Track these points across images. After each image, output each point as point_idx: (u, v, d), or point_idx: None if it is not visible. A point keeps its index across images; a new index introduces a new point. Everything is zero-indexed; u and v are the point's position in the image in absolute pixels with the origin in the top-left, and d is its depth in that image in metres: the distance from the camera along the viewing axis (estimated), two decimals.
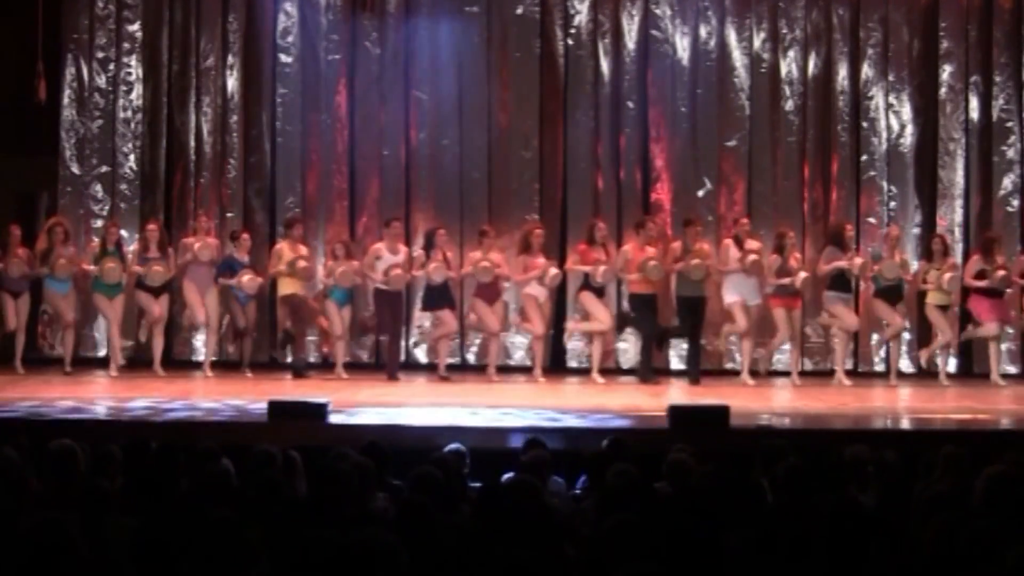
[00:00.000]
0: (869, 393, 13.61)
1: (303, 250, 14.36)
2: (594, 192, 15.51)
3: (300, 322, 14.30)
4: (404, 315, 14.66)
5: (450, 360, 14.94)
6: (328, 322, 14.31)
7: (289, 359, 14.34)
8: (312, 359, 14.85)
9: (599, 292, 14.18)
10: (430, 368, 14.74)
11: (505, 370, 14.67)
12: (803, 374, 14.58)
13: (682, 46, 15.53)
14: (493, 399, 12.25)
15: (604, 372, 14.37)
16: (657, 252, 14.10)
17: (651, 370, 14.09)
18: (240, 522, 4.73)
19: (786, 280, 13.94)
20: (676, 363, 14.98)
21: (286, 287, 14.22)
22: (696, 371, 14.03)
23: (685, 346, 14.39)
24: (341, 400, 11.25)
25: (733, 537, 4.79)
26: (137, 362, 14.64)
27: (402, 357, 14.90)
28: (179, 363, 14.99)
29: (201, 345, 14.98)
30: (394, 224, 14.36)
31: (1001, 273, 13.95)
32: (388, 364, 14.23)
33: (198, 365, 14.69)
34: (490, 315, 14.20)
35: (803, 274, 13.99)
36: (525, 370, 14.62)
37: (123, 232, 14.78)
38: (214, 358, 14.48)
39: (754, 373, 14.32)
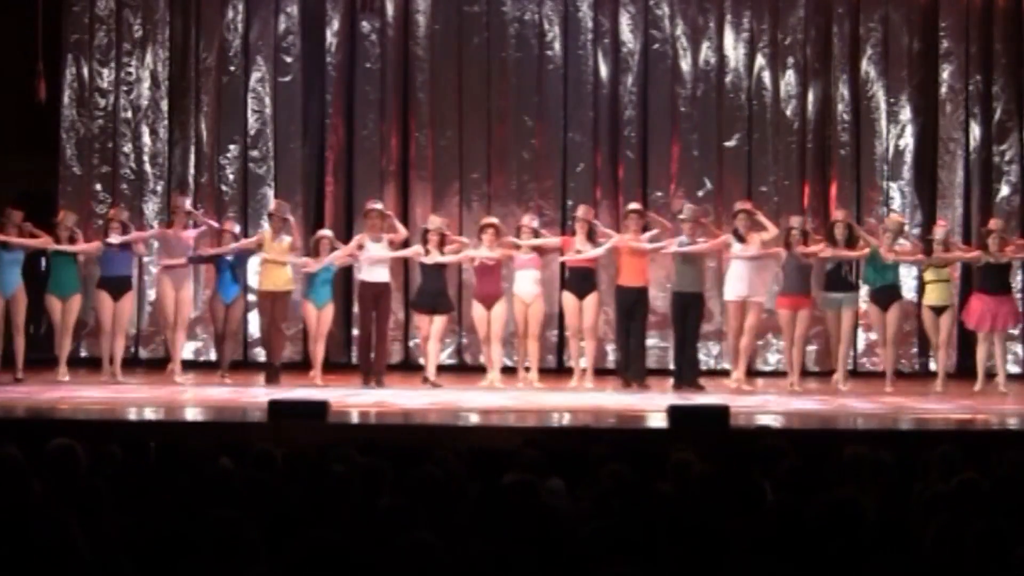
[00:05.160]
0: (870, 393, 13.56)
1: (286, 240, 13.92)
2: (594, 193, 15.50)
3: (272, 321, 13.96)
4: (389, 312, 14.09)
5: (451, 361, 14.92)
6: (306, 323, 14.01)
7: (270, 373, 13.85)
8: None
9: (578, 294, 13.73)
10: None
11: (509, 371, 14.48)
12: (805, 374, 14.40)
13: (682, 46, 15.54)
14: (492, 399, 12.25)
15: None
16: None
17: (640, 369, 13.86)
18: (240, 522, 4.73)
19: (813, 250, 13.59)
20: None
21: (266, 283, 13.93)
22: (689, 373, 13.64)
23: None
24: (341, 400, 11.27)
25: (733, 537, 4.80)
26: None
27: (400, 358, 14.86)
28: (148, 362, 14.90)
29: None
30: (371, 213, 13.81)
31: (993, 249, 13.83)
32: (363, 364, 13.74)
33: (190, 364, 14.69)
34: (482, 319, 13.81)
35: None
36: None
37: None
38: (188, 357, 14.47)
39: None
